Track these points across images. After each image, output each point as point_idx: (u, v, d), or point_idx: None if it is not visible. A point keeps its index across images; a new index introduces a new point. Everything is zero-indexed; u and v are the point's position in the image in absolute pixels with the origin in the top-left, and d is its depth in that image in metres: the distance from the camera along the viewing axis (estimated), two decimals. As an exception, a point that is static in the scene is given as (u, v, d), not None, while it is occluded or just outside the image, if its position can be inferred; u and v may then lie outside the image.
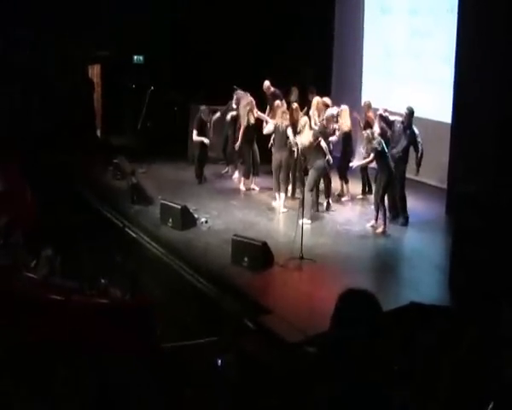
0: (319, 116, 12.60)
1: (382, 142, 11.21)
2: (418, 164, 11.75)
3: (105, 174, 14.52)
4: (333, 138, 12.14)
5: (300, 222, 10.45)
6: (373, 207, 11.62)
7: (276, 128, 12.34)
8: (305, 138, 11.82)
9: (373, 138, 11.21)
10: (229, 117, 14.15)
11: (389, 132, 11.86)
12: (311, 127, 12.07)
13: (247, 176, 13.55)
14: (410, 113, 11.65)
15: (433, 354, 5.59)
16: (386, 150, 11.23)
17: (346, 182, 13.05)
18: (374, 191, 11.77)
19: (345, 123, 12.66)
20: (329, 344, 2.94)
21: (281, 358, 7.37)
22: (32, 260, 8.98)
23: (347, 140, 12.82)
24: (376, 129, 11.64)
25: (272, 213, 12.33)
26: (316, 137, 11.69)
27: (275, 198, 12.59)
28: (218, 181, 14.34)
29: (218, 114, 14.28)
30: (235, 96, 14.06)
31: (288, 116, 12.33)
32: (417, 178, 12.45)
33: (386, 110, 12.26)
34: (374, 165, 11.72)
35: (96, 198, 13.33)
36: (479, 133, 11.44)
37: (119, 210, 12.54)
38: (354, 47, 15.84)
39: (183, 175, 14.51)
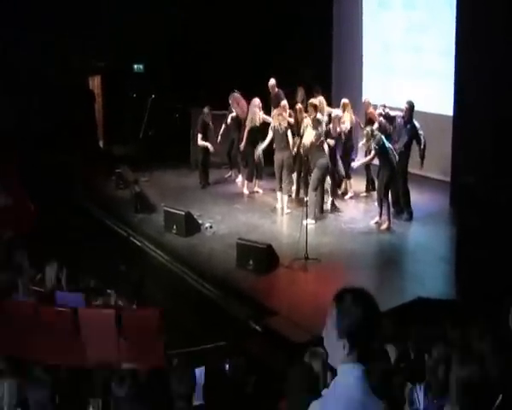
0: (322, 115, 12.57)
1: (383, 137, 11.19)
2: (422, 157, 11.70)
3: (108, 184, 14.54)
4: (331, 142, 12.05)
5: (304, 222, 10.44)
6: (376, 203, 11.60)
7: (274, 130, 12.34)
8: (307, 139, 11.80)
9: (373, 135, 11.19)
10: (229, 120, 14.14)
11: (389, 128, 11.84)
12: (313, 128, 11.97)
13: (250, 179, 13.54)
14: (411, 107, 11.63)
15: (441, 351, 5.56)
16: (387, 145, 11.20)
17: (349, 178, 13.01)
18: (377, 188, 11.75)
19: (346, 118, 12.63)
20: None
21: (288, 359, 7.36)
22: (36, 274, 9.02)
23: (348, 135, 12.77)
24: (376, 125, 11.62)
25: (276, 215, 12.31)
26: (318, 138, 11.66)
27: (277, 199, 12.58)
28: (222, 185, 14.32)
29: (223, 127, 14.23)
30: (231, 99, 14.07)
31: (286, 117, 12.35)
32: (420, 172, 12.43)
33: (385, 106, 12.24)
34: (376, 161, 11.70)
35: (100, 208, 13.35)
36: (479, 124, 11.41)
37: (123, 219, 12.55)
38: (353, 44, 15.81)
39: (186, 181, 14.51)
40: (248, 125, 13.29)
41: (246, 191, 13.57)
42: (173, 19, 16.70)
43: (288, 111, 12.69)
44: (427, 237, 11.10)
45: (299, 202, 12.20)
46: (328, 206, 12.31)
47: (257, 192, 13.58)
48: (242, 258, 10.02)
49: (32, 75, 15.30)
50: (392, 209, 11.55)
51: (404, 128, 11.68)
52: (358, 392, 2.67)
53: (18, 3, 14.92)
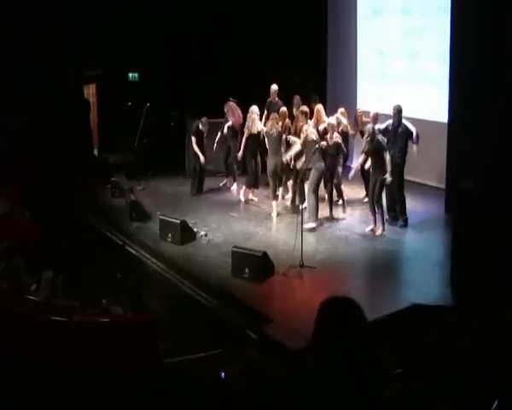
0: (319, 123, 12.62)
1: (384, 139, 11.21)
2: (416, 143, 11.71)
3: (103, 193, 14.53)
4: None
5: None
6: (369, 209, 11.60)
7: (268, 135, 12.41)
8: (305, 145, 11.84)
9: (373, 134, 11.17)
10: (225, 130, 14.16)
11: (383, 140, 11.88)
12: (311, 134, 11.95)
13: (249, 186, 13.53)
14: (398, 111, 11.68)
15: (438, 354, 5.57)
16: (383, 141, 11.20)
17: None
18: (369, 193, 11.73)
19: (342, 124, 12.70)
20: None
21: (284, 366, 7.35)
22: (32, 283, 8.99)
23: (344, 142, 12.77)
24: (377, 125, 11.65)
25: (271, 223, 12.33)
26: (315, 144, 11.67)
27: (271, 205, 12.59)
28: (216, 194, 14.33)
29: (218, 135, 14.24)
30: (226, 108, 14.10)
31: (279, 123, 12.48)
32: (416, 179, 12.44)
33: (377, 115, 12.26)
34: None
35: (95, 217, 13.34)
36: (474, 131, 11.43)
37: (119, 228, 12.54)
38: (348, 50, 15.86)
39: (181, 190, 14.50)
40: (246, 133, 13.30)
41: (242, 198, 13.57)
42: (168, 27, 16.73)
43: (287, 120, 12.82)
44: (422, 244, 11.11)
45: (295, 209, 12.21)
46: (328, 212, 12.33)
47: (252, 200, 13.58)
48: (238, 266, 10.01)
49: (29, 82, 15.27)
50: (386, 215, 11.56)
51: (396, 133, 11.67)
52: None
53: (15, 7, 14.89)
